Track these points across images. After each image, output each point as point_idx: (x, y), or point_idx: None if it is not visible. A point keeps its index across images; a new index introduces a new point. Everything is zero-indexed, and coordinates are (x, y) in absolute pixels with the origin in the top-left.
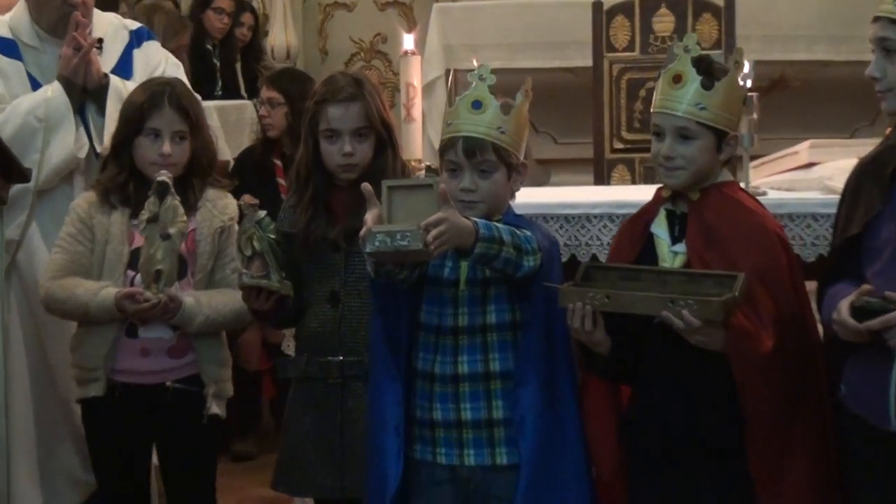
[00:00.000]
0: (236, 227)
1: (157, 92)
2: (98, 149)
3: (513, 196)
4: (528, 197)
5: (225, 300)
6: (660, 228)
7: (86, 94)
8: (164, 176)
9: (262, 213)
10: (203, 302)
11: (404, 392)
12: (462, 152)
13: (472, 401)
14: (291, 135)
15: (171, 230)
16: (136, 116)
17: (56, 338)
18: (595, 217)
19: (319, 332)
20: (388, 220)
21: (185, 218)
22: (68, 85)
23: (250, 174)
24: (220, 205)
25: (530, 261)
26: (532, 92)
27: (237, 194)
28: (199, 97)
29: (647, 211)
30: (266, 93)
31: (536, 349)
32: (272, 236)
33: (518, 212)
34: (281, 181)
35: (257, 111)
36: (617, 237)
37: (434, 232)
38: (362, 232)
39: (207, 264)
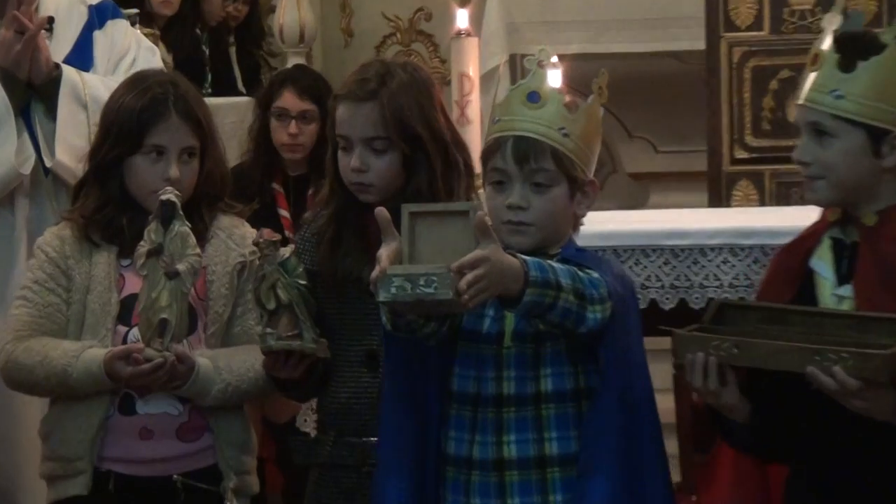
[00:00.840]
0: (259, 263)
1: (158, 96)
2: (47, 162)
3: (576, 226)
4: (618, 223)
5: (249, 360)
6: (822, 262)
7: (31, 91)
8: (169, 194)
9: (286, 251)
10: (222, 364)
11: (419, 488)
12: (512, 156)
13: (523, 494)
14: (315, 154)
15: (181, 266)
16: (132, 128)
17: None
18: (712, 249)
19: (352, 404)
20: (410, 258)
21: (197, 250)
22: (8, 79)
23: (243, 202)
24: (237, 235)
25: (597, 311)
26: (608, 88)
27: None
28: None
29: (809, 237)
30: (296, 103)
31: (609, 426)
32: (302, 282)
33: (602, 242)
34: (284, 213)
35: (259, 120)
36: (770, 270)
37: (469, 276)
38: (374, 273)
39: (224, 312)
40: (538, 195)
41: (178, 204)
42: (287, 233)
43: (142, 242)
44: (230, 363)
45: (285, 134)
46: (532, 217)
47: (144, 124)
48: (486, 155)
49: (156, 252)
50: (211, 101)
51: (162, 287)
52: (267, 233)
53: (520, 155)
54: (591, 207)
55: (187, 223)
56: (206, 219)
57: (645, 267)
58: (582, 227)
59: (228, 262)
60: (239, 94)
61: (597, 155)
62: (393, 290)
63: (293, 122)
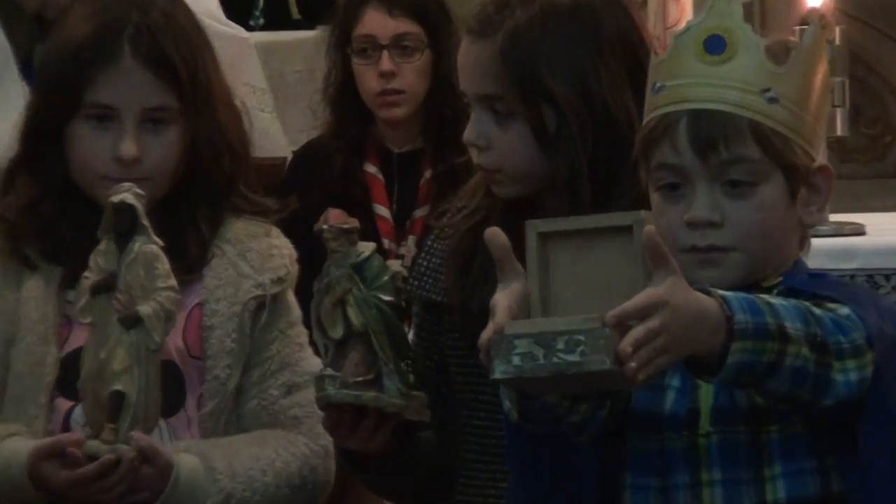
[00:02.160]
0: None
1: (109, 25)
2: None
3: (804, 239)
4: None
5: (266, 455)
6: None
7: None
8: (124, 194)
9: (366, 248)
10: (219, 463)
11: None
12: (688, 144)
13: None
14: (430, 114)
15: (144, 308)
16: (68, 76)
17: None
18: None
19: None
20: (543, 307)
21: (172, 281)
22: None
23: (317, 194)
24: (256, 252)
25: (850, 370)
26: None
27: (291, 229)
28: (203, 21)
29: None
30: (385, 24)
31: None
32: (387, 298)
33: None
34: (382, 211)
35: (336, 67)
36: None
37: (638, 333)
38: (486, 335)
39: (229, 378)
40: (737, 201)
41: (140, 209)
42: (385, 241)
43: (86, 273)
44: (232, 462)
45: (374, 77)
46: (731, 237)
47: (84, 69)
48: (648, 143)
49: (105, 286)
50: (261, 37)
51: (115, 342)
52: (335, 215)
53: (701, 140)
54: (824, 208)
55: (156, 239)
56: (202, 226)
57: None
58: (857, 240)
59: (237, 296)
60: (293, 24)
61: (825, 123)
62: (516, 359)
63: (385, 53)
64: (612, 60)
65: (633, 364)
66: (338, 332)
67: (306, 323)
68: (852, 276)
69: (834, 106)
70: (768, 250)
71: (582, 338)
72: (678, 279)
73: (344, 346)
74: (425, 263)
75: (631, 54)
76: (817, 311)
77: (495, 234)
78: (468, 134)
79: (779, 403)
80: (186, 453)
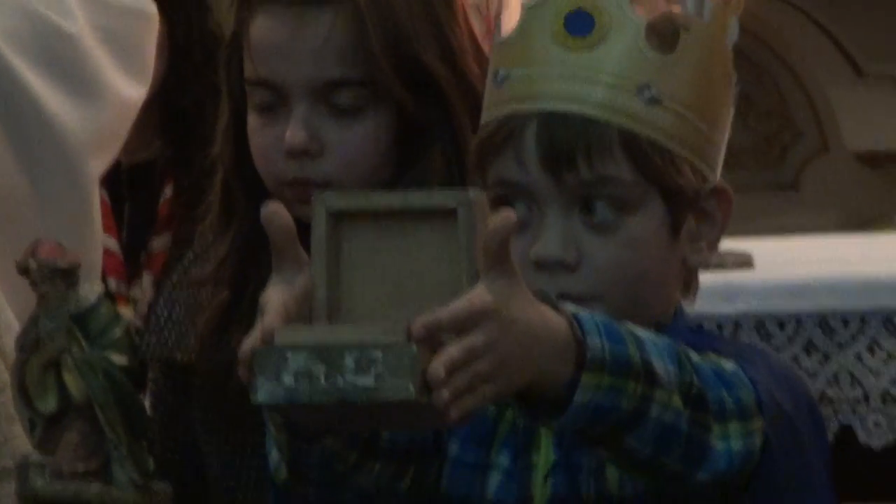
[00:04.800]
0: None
1: None
2: None
3: (691, 283)
4: (833, 261)
5: None
6: None
7: None
8: None
9: (91, 289)
10: None
11: None
12: (538, 159)
13: None
14: (171, 107)
15: None
16: None
17: None
18: None
19: None
20: (329, 311)
21: None
22: None
23: None
24: None
25: (733, 437)
26: None
27: None
28: None
29: None
30: None
31: None
32: (118, 360)
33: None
34: (109, 242)
35: None
36: None
37: (455, 352)
38: (249, 343)
39: None
40: (600, 235)
41: None
42: (112, 281)
43: None
44: None
45: None
46: (589, 282)
47: None
48: (486, 152)
49: None
50: None
51: None
52: (46, 248)
53: (554, 154)
54: (716, 244)
55: None
56: None
57: (891, 357)
58: (742, 275)
59: None
60: None
61: (726, 130)
62: (289, 379)
63: None
64: (462, 24)
65: (445, 393)
66: (49, 405)
67: None
68: (736, 324)
69: None
70: (640, 300)
71: (378, 354)
72: (516, 284)
73: (58, 423)
74: (166, 313)
75: (465, 16)
76: (695, 356)
77: (275, 213)
78: (295, 138)
79: (638, 472)
80: None
